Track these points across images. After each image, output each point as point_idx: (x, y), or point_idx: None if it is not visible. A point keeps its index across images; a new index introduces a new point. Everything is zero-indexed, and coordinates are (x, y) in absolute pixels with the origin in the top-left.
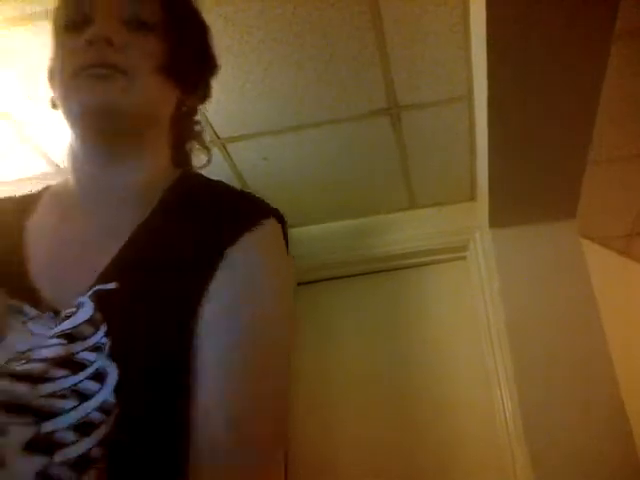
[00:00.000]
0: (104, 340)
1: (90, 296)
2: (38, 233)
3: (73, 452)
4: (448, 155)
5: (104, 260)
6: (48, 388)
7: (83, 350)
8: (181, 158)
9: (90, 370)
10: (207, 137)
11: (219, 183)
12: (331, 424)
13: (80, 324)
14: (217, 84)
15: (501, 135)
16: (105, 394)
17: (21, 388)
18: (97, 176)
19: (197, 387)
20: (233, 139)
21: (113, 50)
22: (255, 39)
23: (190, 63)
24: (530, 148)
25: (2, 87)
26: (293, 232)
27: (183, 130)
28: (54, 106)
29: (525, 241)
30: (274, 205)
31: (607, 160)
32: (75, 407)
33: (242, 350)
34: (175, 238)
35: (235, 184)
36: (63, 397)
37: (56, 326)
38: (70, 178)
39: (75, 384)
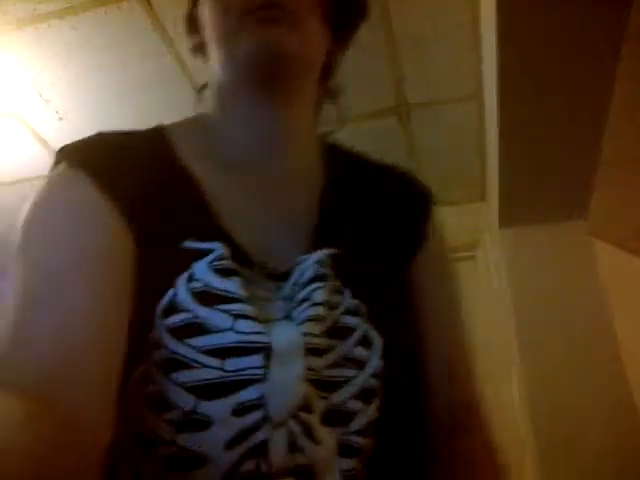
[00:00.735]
0: (354, 303)
1: (318, 261)
2: (211, 183)
3: (363, 420)
4: (457, 155)
5: (301, 224)
6: (328, 359)
7: (342, 314)
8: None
9: (356, 335)
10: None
11: (372, 159)
12: None
13: (318, 288)
14: None
15: (511, 134)
16: (375, 360)
17: (313, 361)
18: (258, 125)
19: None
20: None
21: None
22: None
23: (348, 10)
24: (541, 148)
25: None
26: None
27: (326, 87)
28: (197, 51)
29: (535, 241)
30: None
31: (618, 160)
32: (355, 376)
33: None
34: (364, 215)
35: None
36: (341, 366)
37: (279, 291)
38: (207, 123)
39: (348, 352)
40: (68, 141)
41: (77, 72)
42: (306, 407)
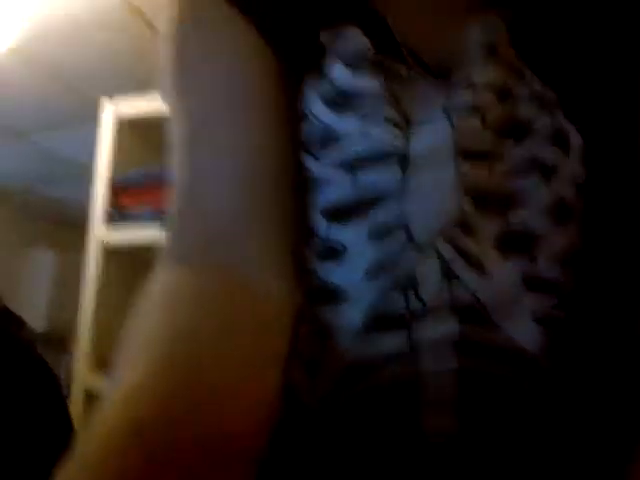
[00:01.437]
0: (541, 88)
1: (486, 29)
2: None
3: (557, 245)
4: None
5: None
6: (505, 163)
7: (521, 104)
8: None
9: (543, 132)
10: None
11: None
12: None
13: (484, 65)
14: None
15: None
16: (572, 166)
17: (472, 168)
18: None
19: None
20: None
21: None
22: None
23: None
24: None
25: None
26: None
27: None
28: None
29: None
30: None
31: None
32: (542, 186)
33: None
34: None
35: None
36: (520, 174)
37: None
38: None
39: (529, 154)
40: None
41: None
42: (465, 227)
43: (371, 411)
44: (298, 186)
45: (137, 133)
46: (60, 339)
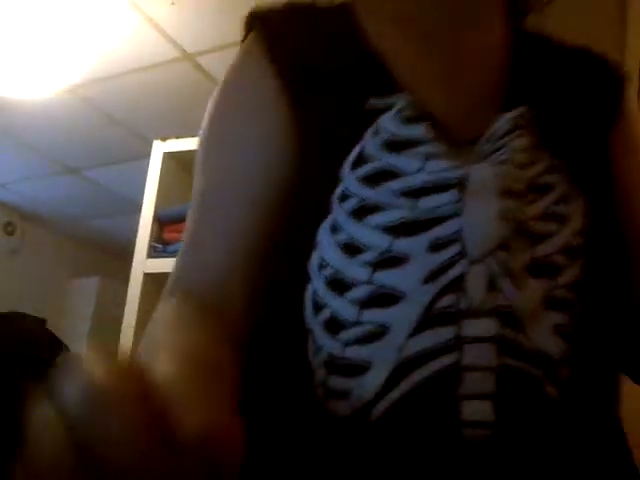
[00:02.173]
0: (554, 161)
1: (514, 117)
2: (387, 43)
3: (570, 275)
4: (592, 25)
5: (487, 87)
6: (532, 210)
7: (542, 172)
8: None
9: (557, 192)
10: None
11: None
12: None
13: (518, 136)
14: None
15: None
16: (576, 220)
17: (510, 204)
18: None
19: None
20: None
21: None
22: None
23: None
24: None
25: None
26: None
27: None
28: None
29: None
30: None
31: None
32: (558, 231)
33: None
34: (555, 96)
35: None
36: (542, 220)
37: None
38: None
39: (548, 207)
40: (180, 26)
41: None
42: (506, 248)
43: (416, 400)
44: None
45: (184, 172)
46: None
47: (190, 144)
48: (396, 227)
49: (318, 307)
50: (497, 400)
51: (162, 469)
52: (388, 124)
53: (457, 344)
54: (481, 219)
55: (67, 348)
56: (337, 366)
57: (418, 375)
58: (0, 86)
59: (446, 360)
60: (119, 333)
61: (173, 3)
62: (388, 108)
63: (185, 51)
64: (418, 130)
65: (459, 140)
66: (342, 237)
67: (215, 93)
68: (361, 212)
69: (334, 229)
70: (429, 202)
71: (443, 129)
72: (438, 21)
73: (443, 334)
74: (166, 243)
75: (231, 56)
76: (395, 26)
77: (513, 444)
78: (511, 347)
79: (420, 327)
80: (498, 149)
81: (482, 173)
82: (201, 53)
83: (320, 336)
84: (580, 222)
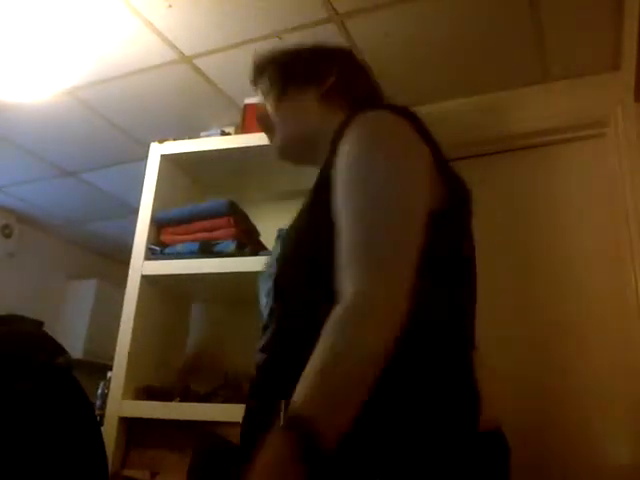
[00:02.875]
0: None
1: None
2: None
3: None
4: (589, 14)
5: None
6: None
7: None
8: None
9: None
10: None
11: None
12: None
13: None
14: None
15: None
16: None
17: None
18: None
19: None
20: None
21: None
22: None
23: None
24: None
25: None
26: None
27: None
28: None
29: None
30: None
31: None
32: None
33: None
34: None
35: None
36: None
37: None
38: None
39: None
40: (178, 29)
41: None
42: None
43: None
44: None
45: (181, 174)
46: (97, 366)
47: (187, 146)
48: None
49: None
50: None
51: None
52: None
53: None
54: None
55: (65, 351)
56: None
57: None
58: None
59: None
60: (117, 335)
61: (170, 6)
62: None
63: (183, 54)
64: None
65: None
66: None
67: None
68: None
69: None
70: None
71: None
72: None
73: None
74: (163, 245)
75: (228, 58)
76: None
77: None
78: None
79: None
80: None
81: None
82: (199, 55)
83: None
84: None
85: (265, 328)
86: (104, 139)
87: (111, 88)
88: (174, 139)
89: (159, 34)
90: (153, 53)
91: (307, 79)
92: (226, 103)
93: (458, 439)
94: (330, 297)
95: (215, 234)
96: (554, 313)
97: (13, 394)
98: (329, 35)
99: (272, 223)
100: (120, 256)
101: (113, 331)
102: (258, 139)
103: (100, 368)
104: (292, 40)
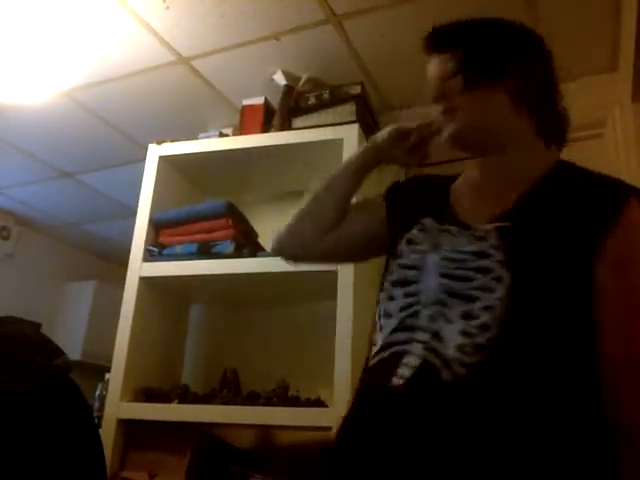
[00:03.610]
0: (502, 257)
1: (494, 229)
2: (459, 192)
3: (481, 321)
4: (587, 15)
5: (499, 209)
6: (469, 284)
7: (489, 262)
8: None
9: (491, 275)
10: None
11: (587, 171)
12: None
13: (487, 248)
14: None
15: None
16: (501, 291)
17: (455, 285)
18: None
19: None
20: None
21: None
22: None
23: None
24: None
25: None
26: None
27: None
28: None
29: None
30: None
31: None
32: (485, 297)
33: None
34: (551, 212)
35: (351, 64)
36: (477, 290)
37: (470, 243)
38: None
39: (483, 283)
40: (175, 30)
41: None
42: (442, 303)
43: (383, 362)
44: None
45: (179, 175)
46: (96, 368)
47: (185, 148)
48: (395, 281)
49: None
50: (416, 370)
51: None
52: (416, 233)
53: (408, 341)
54: (428, 286)
55: (63, 352)
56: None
57: (387, 352)
58: None
59: (400, 348)
60: (115, 337)
61: (168, 7)
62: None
63: (180, 55)
64: (420, 235)
65: (466, 231)
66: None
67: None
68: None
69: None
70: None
71: (459, 226)
72: (485, 181)
73: (403, 335)
74: (162, 247)
75: (226, 60)
76: (466, 185)
77: (419, 396)
78: (430, 349)
79: (394, 330)
80: (475, 249)
81: (432, 260)
82: (196, 57)
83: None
84: (501, 294)
85: (466, 316)
86: (102, 141)
87: (109, 90)
88: (172, 140)
89: (157, 35)
90: (151, 55)
91: (504, 74)
92: (224, 104)
93: None
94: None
95: (213, 235)
96: None
97: (11, 396)
98: (327, 36)
99: (270, 224)
100: (118, 257)
101: (111, 333)
102: (256, 140)
103: (98, 370)
104: (290, 41)
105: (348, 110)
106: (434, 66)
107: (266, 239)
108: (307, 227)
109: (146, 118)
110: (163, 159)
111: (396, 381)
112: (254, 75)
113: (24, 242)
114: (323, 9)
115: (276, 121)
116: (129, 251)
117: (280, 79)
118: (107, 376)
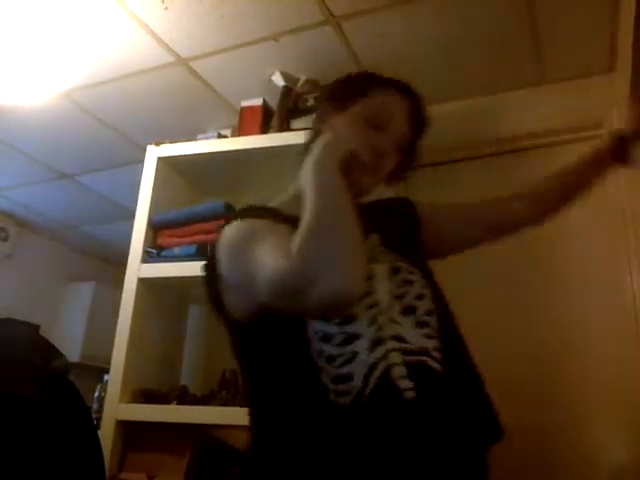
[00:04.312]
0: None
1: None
2: None
3: (425, 309)
4: (585, 16)
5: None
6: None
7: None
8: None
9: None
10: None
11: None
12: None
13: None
14: None
15: None
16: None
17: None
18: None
19: None
20: (347, 17)
21: None
22: None
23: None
24: None
25: None
26: None
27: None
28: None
29: None
30: None
31: None
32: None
33: None
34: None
35: (350, 65)
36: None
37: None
38: None
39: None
40: (174, 31)
41: None
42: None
43: (379, 385)
44: None
45: (178, 176)
46: (94, 369)
47: (184, 149)
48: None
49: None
50: (410, 376)
51: None
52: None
53: (386, 355)
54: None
55: (61, 354)
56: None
57: (378, 372)
58: None
59: (385, 362)
60: (113, 338)
61: (167, 8)
62: None
63: (179, 56)
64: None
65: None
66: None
67: (248, 226)
68: None
69: None
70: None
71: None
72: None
73: (381, 350)
74: (160, 248)
75: (225, 61)
76: None
77: (427, 400)
78: (406, 350)
79: (371, 347)
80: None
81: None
82: (195, 58)
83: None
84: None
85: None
86: (101, 142)
87: (107, 91)
88: (171, 142)
89: (155, 36)
90: (149, 56)
91: None
92: (223, 106)
93: None
94: None
95: (212, 236)
96: (550, 315)
97: (9, 398)
98: (325, 37)
99: None
100: (117, 259)
101: (110, 334)
102: (255, 141)
103: (97, 371)
104: (288, 43)
105: None
106: (411, 105)
107: None
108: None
109: (145, 119)
110: (162, 160)
111: (408, 394)
112: (253, 76)
113: (23, 243)
114: (322, 10)
115: (275, 122)
116: (128, 252)
117: (279, 80)
118: (106, 377)
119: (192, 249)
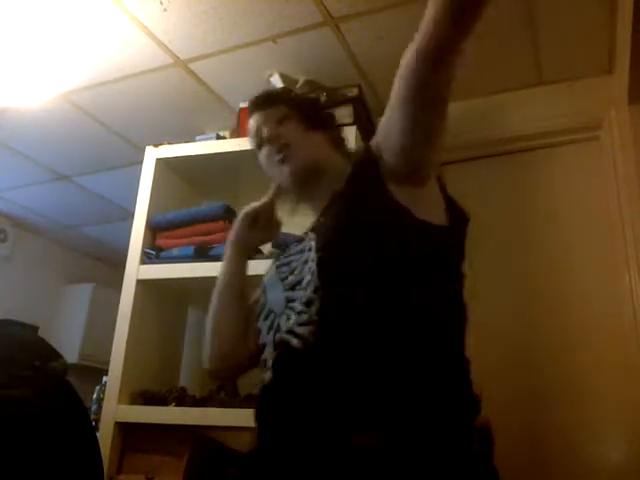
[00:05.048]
0: (314, 243)
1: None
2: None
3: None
4: (583, 18)
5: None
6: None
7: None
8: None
9: (307, 262)
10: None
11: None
12: None
13: (307, 242)
14: None
15: None
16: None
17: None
18: None
19: None
20: (346, 18)
21: None
22: None
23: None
24: None
25: None
26: None
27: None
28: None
29: None
30: None
31: None
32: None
33: None
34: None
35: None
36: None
37: (298, 245)
38: None
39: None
40: (173, 33)
41: None
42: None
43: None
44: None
45: (176, 178)
46: (93, 370)
47: (183, 150)
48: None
49: None
50: (275, 349)
51: None
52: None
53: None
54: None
55: (60, 355)
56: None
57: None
58: None
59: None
60: (112, 339)
61: (165, 10)
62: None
63: (178, 57)
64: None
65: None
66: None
67: None
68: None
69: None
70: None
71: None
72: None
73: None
74: (159, 249)
75: (224, 62)
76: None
77: (280, 379)
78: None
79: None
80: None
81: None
82: (194, 59)
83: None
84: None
85: (305, 323)
86: (99, 143)
87: (106, 92)
88: (170, 143)
89: (154, 38)
90: (148, 57)
91: (324, 124)
92: (221, 107)
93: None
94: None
95: (211, 238)
96: (551, 316)
97: (7, 399)
98: (324, 39)
99: None
100: (116, 260)
101: (109, 335)
102: None
103: (96, 372)
104: (287, 44)
105: (345, 112)
106: (264, 116)
107: None
108: (224, 343)
109: (143, 120)
110: (160, 161)
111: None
112: (251, 77)
113: (21, 245)
114: (320, 11)
115: None
116: (126, 254)
117: (277, 81)
118: (104, 379)
119: (190, 250)
